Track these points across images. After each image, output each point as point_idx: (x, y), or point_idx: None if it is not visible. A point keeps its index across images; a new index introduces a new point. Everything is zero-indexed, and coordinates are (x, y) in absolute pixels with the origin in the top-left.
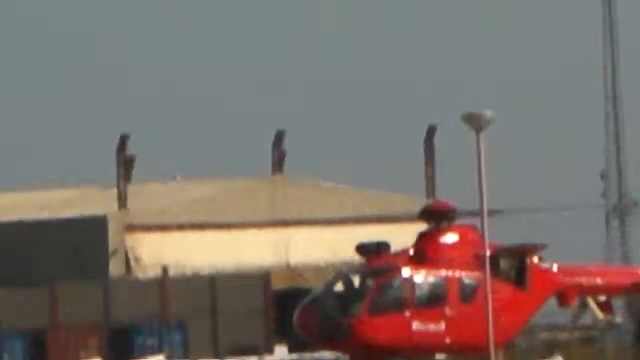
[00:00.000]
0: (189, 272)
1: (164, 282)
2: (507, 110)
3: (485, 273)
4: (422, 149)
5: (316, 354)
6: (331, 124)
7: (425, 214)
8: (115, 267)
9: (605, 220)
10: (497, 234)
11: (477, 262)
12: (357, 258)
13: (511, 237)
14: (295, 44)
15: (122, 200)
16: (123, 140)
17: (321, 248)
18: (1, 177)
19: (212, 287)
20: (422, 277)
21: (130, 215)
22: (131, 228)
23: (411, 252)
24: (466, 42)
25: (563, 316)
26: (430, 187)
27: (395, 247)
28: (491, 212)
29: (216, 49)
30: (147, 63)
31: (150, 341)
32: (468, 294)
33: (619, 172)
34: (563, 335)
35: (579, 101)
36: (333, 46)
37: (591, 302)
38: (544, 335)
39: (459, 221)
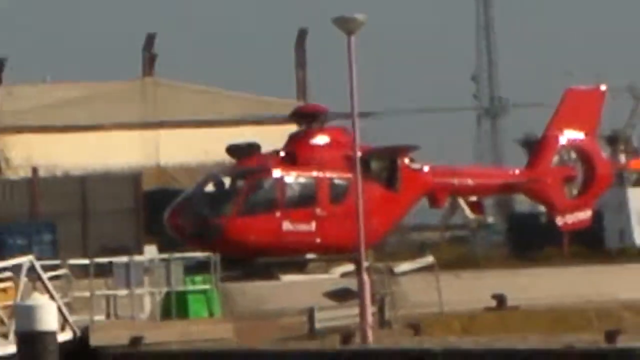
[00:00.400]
0: (59, 173)
1: (33, 182)
2: (379, 14)
3: (356, 174)
4: (293, 52)
5: (186, 254)
6: (203, 29)
7: (297, 116)
8: None
9: (476, 122)
10: (368, 136)
11: (348, 163)
12: (228, 159)
13: (383, 139)
14: None
15: None
16: None
17: (192, 149)
18: None
19: (82, 187)
20: (292, 178)
21: (0, 116)
22: (1, 129)
23: (282, 153)
24: None
25: (434, 216)
26: (302, 90)
27: (266, 148)
28: (363, 114)
29: None
30: None
31: (20, 241)
32: (338, 194)
33: (490, 75)
34: (434, 235)
35: (450, 2)
36: None
37: (462, 202)
38: (415, 235)
39: (331, 123)
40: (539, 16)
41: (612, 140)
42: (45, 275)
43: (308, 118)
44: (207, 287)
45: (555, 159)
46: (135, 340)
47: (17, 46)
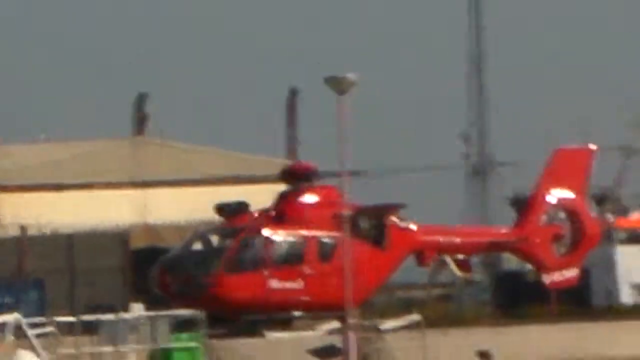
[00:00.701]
0: (48, 231)
1: (21, 240)
2: (370, 73)
3: (344, 232)
4: (284, 111)
5: (173, 311)
6: (192, 87)
7: (286, 174)
8: None
9: (464, 180)
10: (357, 195)
11: (337, 221)
12: (217, 218)
13: (372, 198)
14: (158, 8)
15: None
16: None
17: (181, 208)
18: None
19: (70, 245)
20: (280, 237)
21: None
22: None
23: (271, 212)
24: (328, 6)
25: (421, 274)
26: (292, 148)
27: (255, 207)
28: (352, 173)
29: (80, 12)
30: (11, 25)
31: (6, 299)
32: (326, 253)
33: (480, 134)
34: (420, 293)
35: (443, 60)
36: (196, 11)
37: (449, 261)
38: (401, 293)
39: (320, 182)
40: (530, 76)
41: (601, 199)
42: (31, 333)
43: (297, 177)
44: (193, 344)
45: (544, 217)
46: None
47: (12, 103)
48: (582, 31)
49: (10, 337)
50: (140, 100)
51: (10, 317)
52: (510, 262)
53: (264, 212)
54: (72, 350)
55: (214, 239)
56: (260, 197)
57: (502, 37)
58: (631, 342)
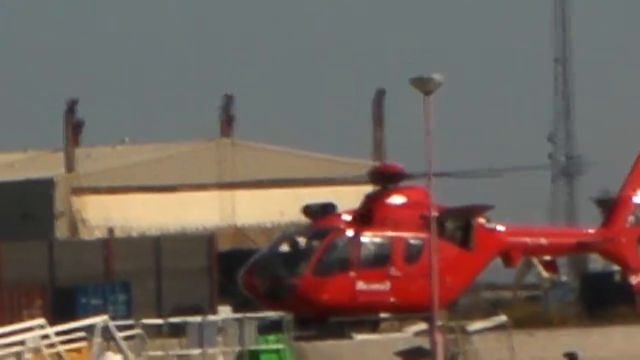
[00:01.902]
0: (135, 234)
1: (108, 242)
2: (456, 73)
3: (431, 234)
4: (370, 112)
5: (260, 314)
6: (281, 88)
7: (374, 176)
8: (62, 230)
9: (551, 181)
10: (444, 196)
11: (424, 223)
12: (304, 219)
13: (458, 199)
14: (242, 10)
15: (69, 163)
16: (71, 104)
17: (268, 209)
18: None
19: (157, 247)
20: (367, 238)
21: (78, 177)
22: (78, 191)
23: (358, 213)
24: (413, 6)
25: (507, 275)
26: (379, 150)
27: (342, 208)
28: (438, 174)
29: (164, 15)
30: (94, 27)
31: (94, 301)
32: (413, 254)
33: (567, 134)
34: (507, 294)
35: (527, 63)
36: (279, 11)
37: (536, 262)
38: (488, 294)
39: (407, 183)
40: (618, 76)
41: None
42: (119, 335)
43: (385, 178)
44: (280, 346)
45: (631, 218)
46: None
47: (96, 107)
48: None
49: (98, 339)
50: (227, 102)
51: (99, 320)
52: (597, 262)
53: (351, 214)
54: (159, 353)
55: (301, 241)
56: (348, 198)
57: (588, 35)
58: None
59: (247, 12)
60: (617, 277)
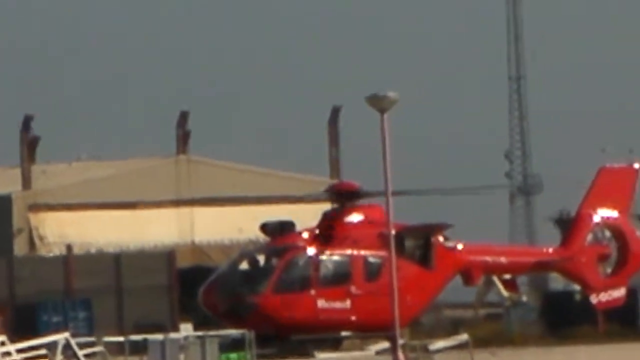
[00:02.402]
0: (93, 250)
1: (68, 259)
2: (412, 92)
3: (390, 252)
4: (326, 130)
5: (221, 331)
6: (236, 106)
7: (331, 194)
8: (20, 247)
9: (509, 200)
10: (402, 214)
11: (382, 241)
12: (262, 237)
13: (417, 217)
14: (199, 27)
15: (26, 180)
16: (27, 121)
17: (226, 227)
18: None
19: (117, 264)
20: (326, 256)
21: (35, 194)
22: (35, 207)
23: (316, 231)
24: (368, 26)
25: (468, 294)
26: (336, 168)
27: (300, 226)
28: (396, 193)
29: (121, 32)
30: (49, 44)
31: (55, 318)
32: (373, 272)
33: (524, 153)
34: (468, 313)
35: (483, 82)
36: (236, 29)
37: (496, 280)
38: (449, 313)
39: (365, 201)
40: (571, 93)
41: None
42: (80, 353)
43: (342, 196)
44: None
45: (589, 237)
46: None
47: (52, 123)
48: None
49: (59, 357)
50: (182, 119)
51: (60, 337)
52: (558, 282)
53: (310, 232)
54: None
55: (261, 259)
56: (306, 216)
57: (542, 55)
58: None
59: (204, 28)
60: (578, 297)
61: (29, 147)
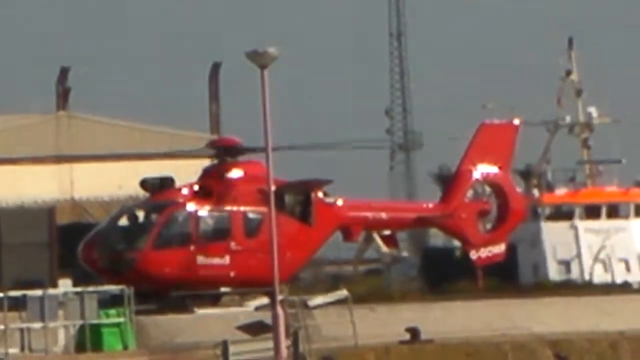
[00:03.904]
0: None
1: None
2: (293, 47)
3: (270, 208)
4: (207, 86)
5: (101, 287)
6: (117, 62)
7: (211, 149)
8: None
9: (389, 157)
10: (282, 170)
11: (262, 197)
12: (142, 193)
13: (297, 173)
14: None
15: None
16: None
17: (106, 183)
18: None
19: None
20: (206, 212)
21: None
22: None
23: (196, 187)
24: None
25: (348, 250)
26: (216, 124)
27: (180, 182)
28: (276, 148)
29: None
30: None
31: None
32: (253, 228)
33: (404, 109)
34: (348, 269)
35: (363, 38)
36: None
37: (376, 236)
38: (329, 269)
39: (245, 157)
40: (451, 50)
41: (526, 175)
42: None
43: (222, 151)
44: (121, 320)
45: (470, 193)
46: None
47: None
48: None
49: None
50: (63, 75)
51: None
52: (438, 238)
53: (190, 188)
54: (0, 327)
55: (140, 215)
56: (186, 172)
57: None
58: (557, 319)
59: None
60: (458, 253)
61: None
